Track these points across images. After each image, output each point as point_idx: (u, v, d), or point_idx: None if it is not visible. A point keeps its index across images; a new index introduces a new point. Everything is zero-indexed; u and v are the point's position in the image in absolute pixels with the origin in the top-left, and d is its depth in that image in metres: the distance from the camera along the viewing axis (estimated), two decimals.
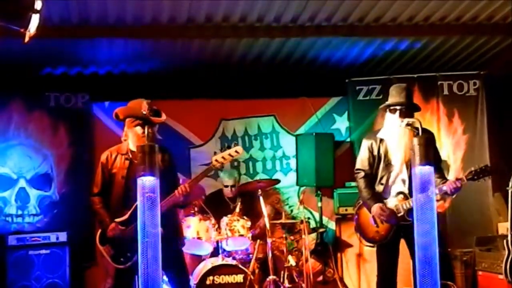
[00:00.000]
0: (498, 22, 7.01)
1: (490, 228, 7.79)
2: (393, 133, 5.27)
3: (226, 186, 7.45)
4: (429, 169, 3.67)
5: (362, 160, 5.41)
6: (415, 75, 8.23)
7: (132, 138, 5.21)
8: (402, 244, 5.34)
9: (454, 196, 7.26)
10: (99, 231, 5.25)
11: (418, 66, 8.42)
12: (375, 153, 5.33)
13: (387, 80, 7.79)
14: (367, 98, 8.26)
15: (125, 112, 5.23)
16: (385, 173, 5.30)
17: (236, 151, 5.29)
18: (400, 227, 5.20)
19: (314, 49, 7.65)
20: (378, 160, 5.33)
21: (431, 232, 3.61)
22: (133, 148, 5.17)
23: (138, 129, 5.13)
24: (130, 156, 5.22)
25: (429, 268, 3.58)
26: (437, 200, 6.51)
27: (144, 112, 5.09)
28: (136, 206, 4.48)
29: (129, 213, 5.01)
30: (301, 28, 6.97)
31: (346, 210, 7.69)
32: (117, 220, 5.12)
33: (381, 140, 5.34)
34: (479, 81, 8.16)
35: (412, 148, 3.75)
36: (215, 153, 5.53)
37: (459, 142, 8.09)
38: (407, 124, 5.02)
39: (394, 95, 5.32)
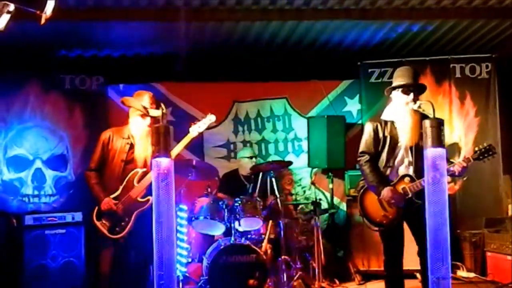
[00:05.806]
0: (508, 6, 7.00)
1: (500, 210, 7.81)
2: (401, 115, 5.21)
3: (250, 158, 7.64)
4: (441, 151, 3.67)
5: (367, 142, 5.32)
6: (427, 58, 8.24)
7: (133, 125, 5.76)
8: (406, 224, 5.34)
9: (464, 179, 7.33)
10: (95, 208, 5.72)
11: (430, 49, 8.39)
12: (380, 135, 5.26)
13: (399, 62, 7.71)
14: (379, 80, 8.28)
15: (128, 102, 5.80)
16: (391, 155, 5.23)
17: (209, 119, 5.80)
18: (404, 209, 5.18)
19: (326, 32, 7.65)
20: (383, 143, 5.25)
21: (442, 213, 3.61)
22: (134, 133, 5.73)
23: (138, 119, 5.70)
24: (131, 141, 5.74)
25: (441, 249, 3.60)
26: (448, 183, 6.56)
27: (144, 105, 5.65)
28: (128, 180, 5.51)
29: (121, 187, 5.60)
30: (314, 11, 6.98)
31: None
32: (111, 196, 5.66)
33: (386, 122, 5.29)
34: (491, 64, 8.17)
35: (424, 130, 3.73)
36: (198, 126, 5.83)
37: (471, 125, 8.10)
38: (418, 106, 5.05)
39: (401, 77, 5.27)
